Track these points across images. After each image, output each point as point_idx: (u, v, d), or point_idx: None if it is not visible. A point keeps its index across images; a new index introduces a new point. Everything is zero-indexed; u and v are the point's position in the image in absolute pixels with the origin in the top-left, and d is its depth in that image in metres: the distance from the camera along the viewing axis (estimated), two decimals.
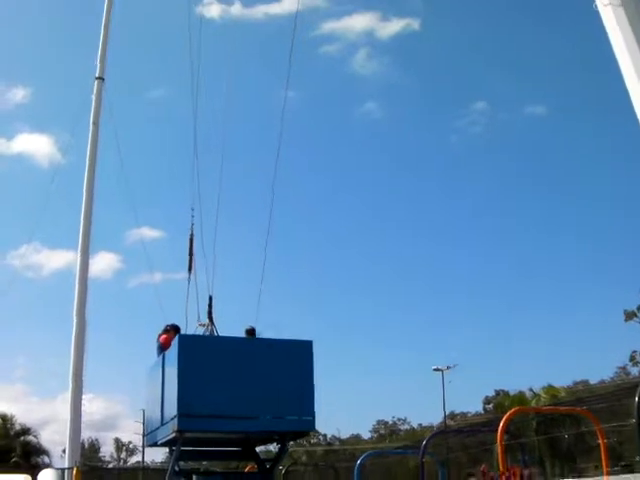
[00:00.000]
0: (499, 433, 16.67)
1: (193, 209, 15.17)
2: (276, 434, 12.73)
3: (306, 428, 12.76)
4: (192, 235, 15.06)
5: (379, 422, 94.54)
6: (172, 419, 11.60)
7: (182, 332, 13.45)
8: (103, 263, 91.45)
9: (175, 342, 12.23)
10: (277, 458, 13.21)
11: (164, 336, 13.73)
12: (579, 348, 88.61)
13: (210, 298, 14.20)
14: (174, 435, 11.63)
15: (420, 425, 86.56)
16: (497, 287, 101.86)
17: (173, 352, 12.15)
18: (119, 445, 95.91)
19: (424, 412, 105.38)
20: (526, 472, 16.13)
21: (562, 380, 59.61)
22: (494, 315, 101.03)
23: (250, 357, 12.06)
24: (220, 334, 13.75)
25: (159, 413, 12.76)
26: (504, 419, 17.52)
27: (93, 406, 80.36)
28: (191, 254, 14.93)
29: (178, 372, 11.51)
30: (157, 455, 77.61)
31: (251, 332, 13.60)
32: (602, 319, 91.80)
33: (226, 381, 11.68)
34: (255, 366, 11.95)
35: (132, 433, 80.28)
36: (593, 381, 66.16)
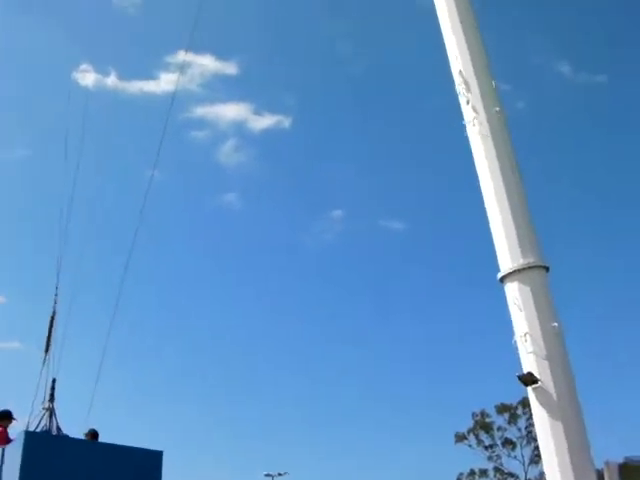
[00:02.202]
0: None
1: (57, 287, 14.72)
2: None
3: None
4: (54, 314, 14.54)
5: None
6: None
7: (21, 415, 13.01)
8: None
9: (20, 439, 11.65)
10: None
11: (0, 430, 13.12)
12: (402, 466, 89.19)
13: (53, 380, 13.74)
14: None
15: None
16: (329, 401, 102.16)
17: (16, 449, 11.50)
18: None
19: None
20: None
21: None
22: (325, 428, 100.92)
23: (96, 463, 11.57)
24: (59, 421, 13.29)
25: None
26: None
27: None
28: (50, 333, 14.38)
29: (20, 472, 10.87)
30: None
31: (92, 435, 13.17)
32: (431, 441, 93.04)
33: None
34: (101, 472, 11.47)
35: None
36: None
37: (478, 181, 11.79)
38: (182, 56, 27.26)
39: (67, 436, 12.99)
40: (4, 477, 11.84)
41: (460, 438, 64.13)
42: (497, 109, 12.04)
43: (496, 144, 11.55)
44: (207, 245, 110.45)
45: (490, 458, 64.38)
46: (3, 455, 12.12)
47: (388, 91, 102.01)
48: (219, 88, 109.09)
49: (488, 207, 11.26)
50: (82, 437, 13.17)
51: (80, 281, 15.55)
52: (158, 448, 12.21)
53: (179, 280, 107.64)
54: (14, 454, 11.51)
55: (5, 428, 13.13)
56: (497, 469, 64.50)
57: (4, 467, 11.94)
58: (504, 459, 64.29)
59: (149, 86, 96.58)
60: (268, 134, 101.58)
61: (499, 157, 11.41)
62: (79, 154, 16.54)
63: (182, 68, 24.17)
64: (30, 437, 11.76)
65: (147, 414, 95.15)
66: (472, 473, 64.80)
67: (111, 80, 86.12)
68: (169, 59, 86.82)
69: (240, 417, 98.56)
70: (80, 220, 16.10)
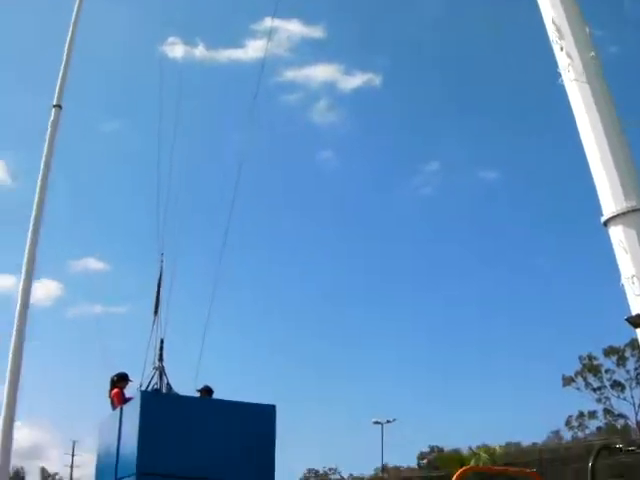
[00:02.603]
0: None
1: (163, 253, 15.22)
2: None
3: None
4: (160, 277, 15.07)
5: (309, 470, 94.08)
6: (129, 476, 11.48)
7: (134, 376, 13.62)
8: (43, 290, 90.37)
9: (137, 399, 12.20)
10: None
11: (116, 391, 13.73)
12: (512, 409, 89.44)
13: (162, 341, 14.25)
14: None
15: (351, 475, 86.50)
16: (435, 342, 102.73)
17: (133, 408, 12.07)
18: (45, 475, 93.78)
19: (355, 463, 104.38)
20: None
21: (494, 439, 59.94)
22: (431, 371, 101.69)
23: (211, 419, 12.02)
24: (169, 379, 13.80)
25: (112, 468, 12.57)
26: (455, 477, 17.59)
27: (20, 434, 78.71)
28: (158, 297, 14.93)
29: (139, 430, 11.38)
30: None
31: (207, 391, 13.57)
32: (538, 383, 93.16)
33: (186, 442, 11.58)
34: (216, 428, 11.90)
35: (60, 464, 79.75)
36: (525, 443, 67.17)
37: (574, 126, 11.68)
38: (269, 23, 27.38)
39: (177, 394, 13.49)
40: (123, 434, 12.42)
41: (568, 381, 63.38)
42: (592, 54, 11.86)
43: (593, 89, 11.40)
44: (304, 203, 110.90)
45: (599, 400, 63.57)
46: (121, 414, 12.68)
47: (478, 44, 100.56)
48: (307, 51, 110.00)
49: (588, 152, 11.16)
50: (195, 394, 13.53)
51: (181, 245, 16.05)
52: (269, 402, 12.58)
53: (277, 237, 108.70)
54: (132, 413, 12.06)
55: (122, 389, 13.69)
56: (607, 411, 63.84)
57: (123, 425, 12.51)
58: (613, 401, 63.44)
59: (237, 54, 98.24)
60: (359, 93, 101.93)
61: (596, 101, 11.27)
62: (175, 124, 17.01)
63: (270, 34, 24.20)
64: (146, 396, 12.35)
65: (252, 370, 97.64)
66: (581, 415, 64.52)
67: (199, 50, 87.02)
68: (255, 26, 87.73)
69: (347, 367, 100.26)
70: (178, 186, 16.54)
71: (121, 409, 12.86)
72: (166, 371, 13.81)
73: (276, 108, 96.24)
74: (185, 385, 14.22)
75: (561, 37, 12.09)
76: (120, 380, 13.83)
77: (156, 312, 14.59)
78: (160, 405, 12.15)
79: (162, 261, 15.04)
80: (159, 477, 11.27)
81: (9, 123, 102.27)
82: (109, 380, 13.95)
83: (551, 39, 12.32)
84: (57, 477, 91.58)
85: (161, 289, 14.85)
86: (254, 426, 12.21)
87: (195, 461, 11.53)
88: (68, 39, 24.96)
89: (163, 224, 15.29)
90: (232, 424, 12.04)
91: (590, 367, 63.33)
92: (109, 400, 13.79)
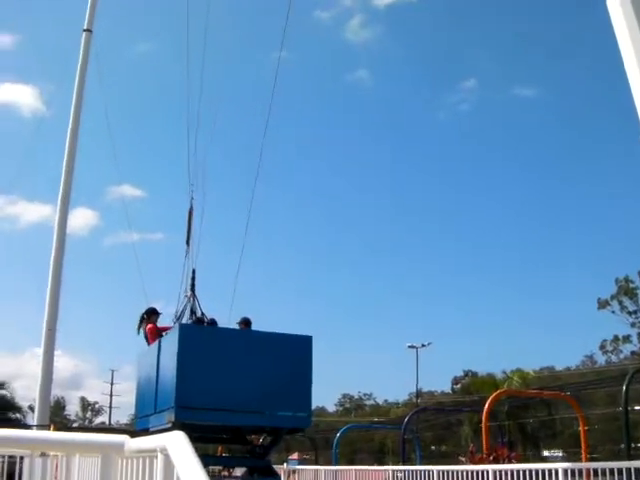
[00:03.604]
0: (484, 414, 16.81)
1: (192, 184, 15.16)
2: (271, 429, 12.68)
3: (301, 425, 12.79)
4: (191, 209, 15.04)
5: (344, 396, 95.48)
6: (168, 409, 11.58)
7: (169, 301, 13.70)
8: (80, 219, 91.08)
9: (175, 331, 12.27)
10: (270, 446, 13.13)
11: (150, 327, 13.80)
12: (546, 334, 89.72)
13: (193, 271, 14.35)
14: (169, 425, 11.43)
15: (385, 401, 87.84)
16: (470, 269, 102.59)
17: (171, 342, 12.12)
18: (85, 404, 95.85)
19: (389, 389, 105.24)
20: (512, 454, 16.26)
21: (528, 364, 60.21)
22: (465, 296, 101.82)
23: (249, 350, 12.03)
24: (201, 306, 13.95)
25: (152, 400, 12.76)
26: (490, 401, 17.66)
27: (59, 363, 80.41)
28: (189, 228, 14.93)
29: (177, 364, 11.43)
30: (122, 417, 78.21)
31: (246, 323, 13.64)
32: (573, 307, 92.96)
33: (224, 374, 11.66)
34: (254, 360, 11.90)
35: (99, 393, 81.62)
36: (559, 367, 67.44)
37: (614, 44, 11.21)
38: None
39: (214, 320, 13.58)
40: (161, 368, 12.52)
41: (603, 304, 61.77)
42: None
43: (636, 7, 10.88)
44: (339, 121, 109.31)
45: (634, 324, 62.05)
46: (160, 347, 12.77)
47: None
48: None
49: (627, 65, 10.73)
50: (235, 325, 13.56)
51: (210, 175, 15.99)
52: (306, 329, 12.61)
53: (312, 158, 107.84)
54: (170, 346, 12.12)
55: (154, 323, 13.77)
56: None
57: (161, 358, 12.60)
58: None
59: None
60: (394, 8, 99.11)
61: (637, 13, 10.77)
62: (204, 43, 16.75)
63: None
64: (184, 328, 12.43)
65: (289, 298, 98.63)
66: (616, 339, 63.34)
67: None
68: None
69: (382, 291, 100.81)
70: (212, 109, 16.35)
71: (159, 342, 12.92)
72: (198, 300, 13.94)
73: (311, 25, 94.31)
74: (223, 315, 14.36)
75: None
76: (151, 315, 13.91)
77: (188, 243, 14.61)
78: (198, 337, 12.23)
79: (192, 191, 14.99)
80: (198, 410, 11.36)
81: (42, 51, 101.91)
82: (139, 317, 14.02)
83: None
84: (97, 406, 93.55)
85: (192, 220, 14.83)
86: (292, 357, 12.22)
87: (234, 393, 11.60)
88: None
89: (195, 152, 15.24)
90: (270, 355, 12.03)
91: (626, 290, 62.14)
92: (143, 334, 13.88)
